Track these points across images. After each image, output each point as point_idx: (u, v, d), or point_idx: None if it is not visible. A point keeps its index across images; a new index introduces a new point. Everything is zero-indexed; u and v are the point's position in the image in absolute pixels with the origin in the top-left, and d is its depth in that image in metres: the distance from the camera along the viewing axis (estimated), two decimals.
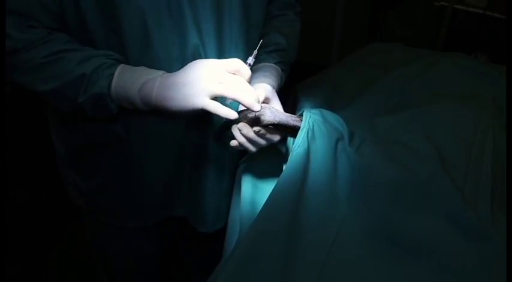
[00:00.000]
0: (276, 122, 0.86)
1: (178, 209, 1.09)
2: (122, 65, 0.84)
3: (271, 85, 0.96)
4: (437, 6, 2.33)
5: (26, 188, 2.09)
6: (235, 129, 0.88)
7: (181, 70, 0.82)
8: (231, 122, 0.87)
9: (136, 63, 0.85)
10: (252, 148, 0.90)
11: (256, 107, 0.81)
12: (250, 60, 0.88)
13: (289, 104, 1.24)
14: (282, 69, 1.03)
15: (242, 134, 0.87)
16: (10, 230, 1.82)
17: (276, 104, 0.92)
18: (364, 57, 1.40)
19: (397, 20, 2.56)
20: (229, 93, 0.79)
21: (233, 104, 0.85)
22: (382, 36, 2.61)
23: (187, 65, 0.83)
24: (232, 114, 0.80)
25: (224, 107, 0.80)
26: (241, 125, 0.86)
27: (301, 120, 0.88)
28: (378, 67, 1.29)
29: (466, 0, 2.27)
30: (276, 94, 0.95)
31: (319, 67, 1.49)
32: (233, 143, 0.90)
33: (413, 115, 1.04)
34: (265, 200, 0.84)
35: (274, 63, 1.02)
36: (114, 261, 1.22)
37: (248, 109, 0.82)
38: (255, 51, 0.88)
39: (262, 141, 0.89)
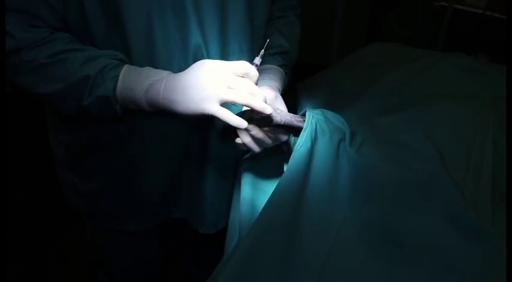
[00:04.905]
0: (282, 123, 0.86)
1: (179, 211, 1.08)
2: (127, 65, 0.83)
3: (277, 88, 0.96)
4: (437, 6, 2.33)
5: (26, 188, 2.09)
6: (241, 130, 0.88)
7: (187, 71, 0.82)
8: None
9: (139, 63, 0.85)
10: (257, 148, 0.90)
11: (267, 110, 0.81)
12: (257, 60, 0.87)
13: (289, 104, 1.24)
14: (285, 72, 1.04)
15: (251, 135, 0.87)
16: (10, 230, 1.82)
17: (281, 107, 0.92)
18: (363, 57, 1.39)
19: (397, 20, 2.56)
20: (239, 99, 0.79)
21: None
22: (382, 36, 2.61)
23: (193, 66, 0.82)
24: (243, 124, 0.80)
25: (235, 115, 0.79)
26: (251, 126, 0.86)
27: (304, 121, 0.88)
28: (378, 67, 1.29)
29: (466, 0, 2.27)
30: (280, 97, 0.95)
31: (319, 67, 1.49)
32: (238, 140, 0.89)
33: (413, 115, 1.04)
34: (265, 200, 0.84)
35: (278, 66, 1.02)
36: (114, 263, 1.21)
37: (254, 111, 0.82)
38: (262, 51, 0.87)
39: (269, 141, 0.89)
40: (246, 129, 0.86)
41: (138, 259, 1.21)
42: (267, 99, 0.89)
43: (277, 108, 0.88)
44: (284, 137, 0.91)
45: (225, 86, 0.79)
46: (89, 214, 1.12)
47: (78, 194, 1.06)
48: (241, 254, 0.78)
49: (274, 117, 0.85)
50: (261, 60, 0.88)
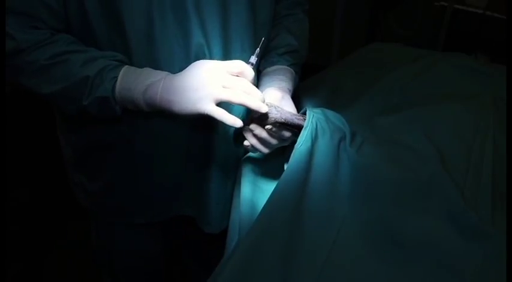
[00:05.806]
0: (282, 120, 0.87)
1: (185, 209, 1.09)
2: (126, 66, 0.84)
3: (288, 88, 0.96)
4: (437, 6, 2.33)
5: (26, 188, 2.09)
6: (246, 131, 0.89)
7: (184, 72, 0.82)
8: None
9: (139, 64, 0.85)
10: (264, 149, 0.91)
11: (263, 108, 0.82)
12: (253, 59, 0.88)
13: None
14: (295, 72, 1.03)
15: (254, 135, 0.88)
16: (10, 230, 1.82)
17: (289, 107, 0.92)
18: (364, 57, 1.40)
19: (397, 20, 2.56)
20: (235, 99, 0.79)
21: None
22: (382, 36, 2.60)
23: (189, 66, 0.82)
24: (238, 123, 0.80)
25: (230, 114, 0.80)
26: (253, 126, 0.87)
27: (305, 119, 0.89)
28: (378, 67, 1.29)
29: (466, 0, 2.27)
30: (289, 98, 0.95)
31: (320, 67, 1.49)
32: (246, 143, 0.91)
33: (413, 115, 1.04)
34: (265, 199, 0.84)
35: (288, 66, 1.02)
36: (118, 261, 1.22)
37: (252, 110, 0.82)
38: (257, 50, 0.88)
39: (273, 141, 0.90)
40: (250, 130, 0.86)
41: (142, 257, 1.22)
42: (273, 100, 0.90)
43: (278, 106, 0.88)
44: (287, 133, 0.91)
45: (220, 85, 0.79)
46: (95, 212, 1.13)
47: (85, 192, 1.07)
48: (241, 254, 0.78)
49: (274, 115, 0.86)
50: (256, 58, 0.88)
